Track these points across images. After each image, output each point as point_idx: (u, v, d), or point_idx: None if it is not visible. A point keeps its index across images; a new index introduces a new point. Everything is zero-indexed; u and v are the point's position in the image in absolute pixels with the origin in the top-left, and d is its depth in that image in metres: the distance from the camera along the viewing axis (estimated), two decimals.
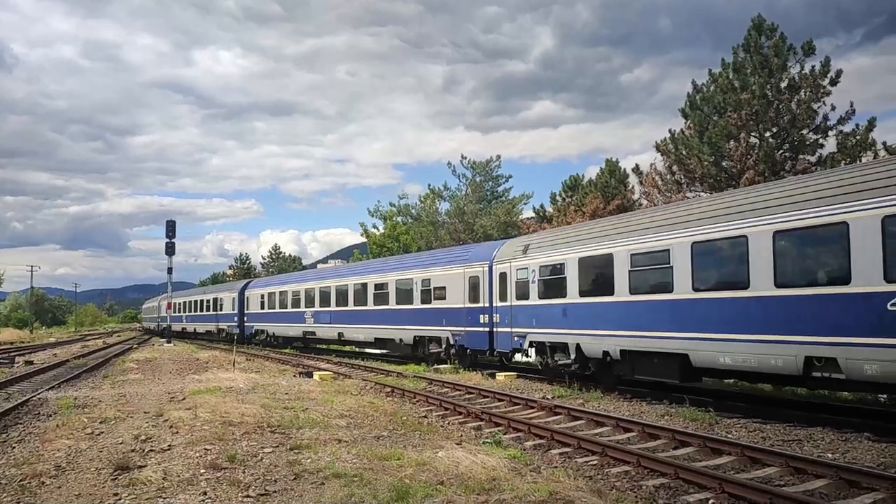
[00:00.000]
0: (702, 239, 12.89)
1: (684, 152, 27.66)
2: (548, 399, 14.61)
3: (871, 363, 9.69)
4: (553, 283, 17.41)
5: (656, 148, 29.73)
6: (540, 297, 17.97)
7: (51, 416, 13.24)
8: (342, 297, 29.83)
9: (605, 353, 15.38)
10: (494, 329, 20.20)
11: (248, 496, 6.82)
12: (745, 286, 11.83)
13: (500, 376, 18.98)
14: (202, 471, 7.80)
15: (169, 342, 41.89)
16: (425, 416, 13.55)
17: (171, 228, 42.76)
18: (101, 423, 11.69)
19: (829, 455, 9.19)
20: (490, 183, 50.77)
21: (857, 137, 24.10)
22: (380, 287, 26.68)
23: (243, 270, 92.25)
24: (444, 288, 22.79)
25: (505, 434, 11.20)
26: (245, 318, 41.14)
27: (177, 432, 10.29)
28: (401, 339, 25.11)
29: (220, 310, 45.32)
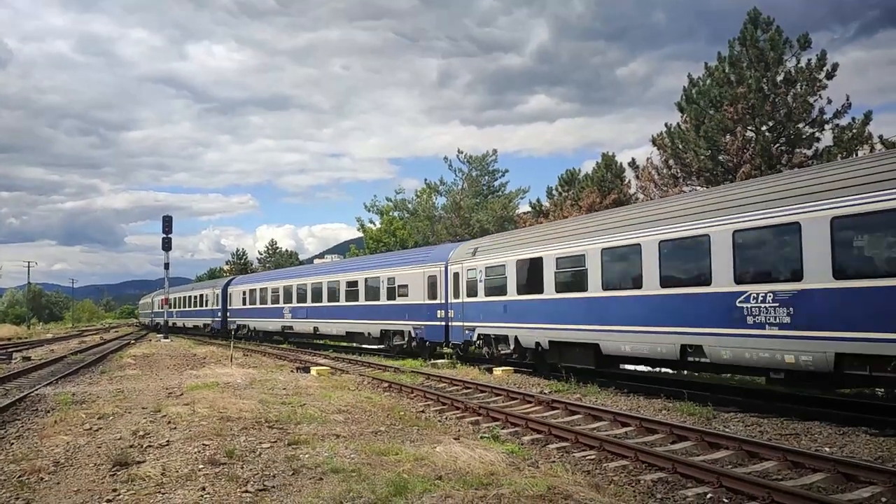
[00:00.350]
0: (608, 246, 15.33)
1: (681, 146, 27.66)
2: (545, 394, 14.64)
3: (726, 349, 12.11)
4: (496, 282, 19.70)
5: (653, 142, 29.71)
6: (486, 295, 20.19)
7: (49, 412, 13.22)
8: (317, 294, 31.91)
9: (538, 344, 17.65)
10: (449, 323, 22.30)
11: (246, 491, 6.81)
12: (640, 286, 14.16)
13: (497, 371, 19.00)
14: (201, 466, 7.80)
15: (166, 338, 41.87)
16: (423, 411, 13.57)
17: (167, 224, 42.62)
18: (99, 418, 11.68)
19: (827, 449, 9.22)
20: (486, 177, 50.69)
21: (854, 131, 24.14)
22: (351, 285, 28.91)
23: (240, 266, 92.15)
24: (406, 286, 24.87)
25: (503, 429, 11.21)
26: (228, 314, 43.04)
27: (175, 428, 10.28)
28: (369, 333, 27.25)
29: (206, 305, 47.41)
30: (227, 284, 44.06)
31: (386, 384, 17.37)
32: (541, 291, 17.42)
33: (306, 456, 8.29)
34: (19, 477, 7.95)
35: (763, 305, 11.31)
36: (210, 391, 14.23)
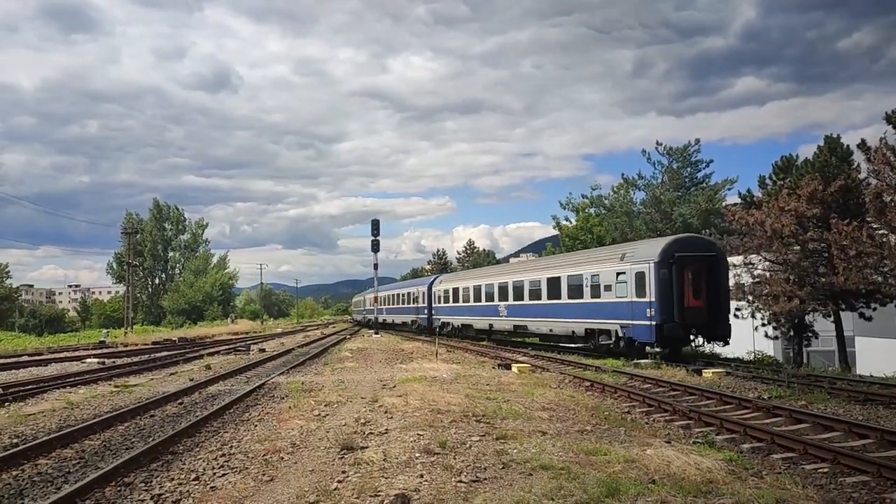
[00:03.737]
0: (475, 284, 36.36)
1: None
2: (763, 399, 13.55)
3: (496, 324, 33.41)
4: (446, 297, 41.39)
5: (887, 120, 26.25)
6: (443, 303, 41.92)
7: (283, 398, 14.80)
8: (393, 300, 55.96)
9: (458, 325, 38.97)
10: (432, 316, 44.25)
11: (461, 482, 7.10)
12: (480, 301, 35.42)
13: (707, 373, 17.94)
14: (417, 454, 8.27)
15: (377, 333, 44.90)
16: (628, 412, 13.20)
17: (375, 227, 45.41)
18: (325, 406, 12.87)
19: None
20: (688, 169, 48.01)
21: None
22: (404, 296, 52.40)
23: (440, 265, 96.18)
24: (417, 297, 47.82)
25: (717, 435, 10.57)
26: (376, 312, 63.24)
27: (391, 417, 11.01)
28: (406, 321, 50.55)
29: (366, 306, 70.07)
30: (376, 292, 56.94)
31: (588, 383, 17.13)
32: (458, 302, 38.81)
33: (515, 451, 8.44)
34: (264, 456, 9.00)
35: (501, 310, 32.01)
36: (419, 384, 15.04)
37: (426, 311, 44.68)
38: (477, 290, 35.54)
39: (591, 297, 24.00)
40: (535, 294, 28.72)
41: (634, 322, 21.44)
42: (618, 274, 22.44)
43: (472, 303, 36.21)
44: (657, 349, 22.07)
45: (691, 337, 22.03)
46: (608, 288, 22.96)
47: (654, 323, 20.52)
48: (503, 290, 31.95)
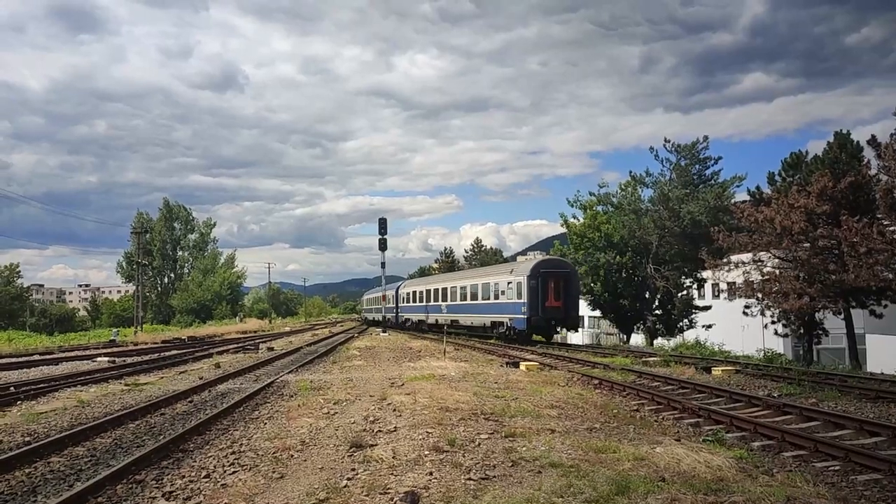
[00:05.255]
0: (426, 289, 47.74)
1: None
2: (774, 397, 13.51)
3: (440, 318, 42.36)
4: (408, 298, 52.44)
5: None
6: (405, 303, 53.31)
7: (292, 396, 14.84)
8: (371, 301, 69.18)
9: (416, 321, 48.99)
10: (398, 314, 54.94)
11: (470, 479, 7.11)
12: (430, 302, 45.56)
13: (717, 371, 17.90)
14: (426, 452, 8.28)
15: (384, 332, 44.95)
16: (637, 410, 13.18)
17: (383, 226, 45.36)
18: (334, 404, 12.90)
19: None
20: (697, 166, 47.66)
21: None
22: (384, 297, 54.88)
23: (448, 264, 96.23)
24: (389, 298, 54.10)
25: (727, 433, 10.54)
26: (365, 311, 76.43)
27: (400, 415, 11.02)
28: (378, 318, 57.03)
29: (365, 305, 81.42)
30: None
31: (596, 381, 17.11)
32: (415, 302, 49.04)
33: (523, 449, 8.44)
34: (274, 453, 9.03)
35: (443, 308, 42.54)
36: (428, 382, 15.07)
37: (394, 310, 55.81)
38: (428, 293, 46.06)
39: (494, 299, 34.22)
40: (463, 296, 39.06)
41: (516, 316, 31.40)
42: (508, 283, 32.38)
43: (424, 303, 46.90)
44: (532, 335, 32.07)
45: (553, 325, 32.29)
46: (503, 293, 32.92)
47: (526, 316, 30.35)
48: (444, 293, 42.50)
